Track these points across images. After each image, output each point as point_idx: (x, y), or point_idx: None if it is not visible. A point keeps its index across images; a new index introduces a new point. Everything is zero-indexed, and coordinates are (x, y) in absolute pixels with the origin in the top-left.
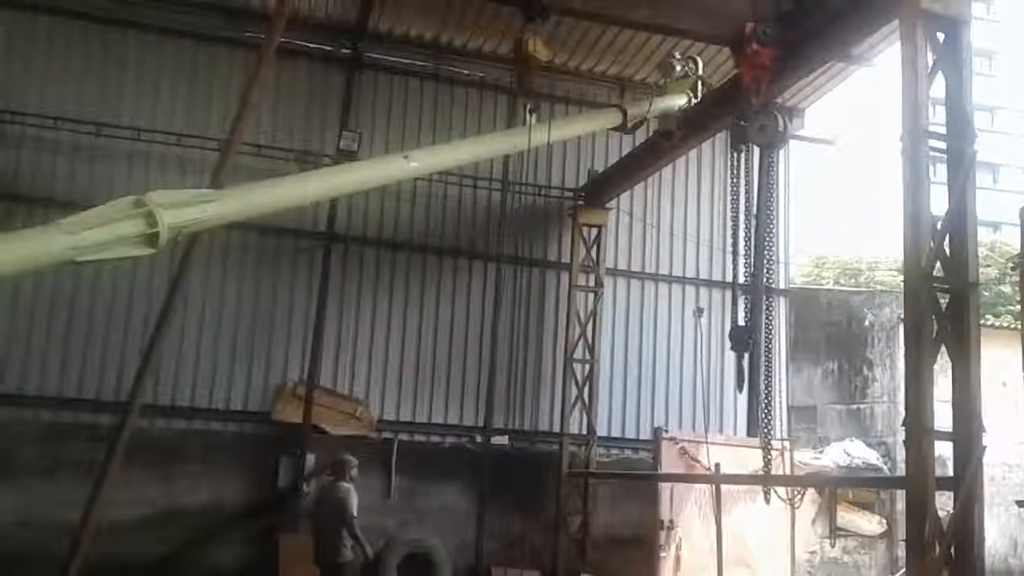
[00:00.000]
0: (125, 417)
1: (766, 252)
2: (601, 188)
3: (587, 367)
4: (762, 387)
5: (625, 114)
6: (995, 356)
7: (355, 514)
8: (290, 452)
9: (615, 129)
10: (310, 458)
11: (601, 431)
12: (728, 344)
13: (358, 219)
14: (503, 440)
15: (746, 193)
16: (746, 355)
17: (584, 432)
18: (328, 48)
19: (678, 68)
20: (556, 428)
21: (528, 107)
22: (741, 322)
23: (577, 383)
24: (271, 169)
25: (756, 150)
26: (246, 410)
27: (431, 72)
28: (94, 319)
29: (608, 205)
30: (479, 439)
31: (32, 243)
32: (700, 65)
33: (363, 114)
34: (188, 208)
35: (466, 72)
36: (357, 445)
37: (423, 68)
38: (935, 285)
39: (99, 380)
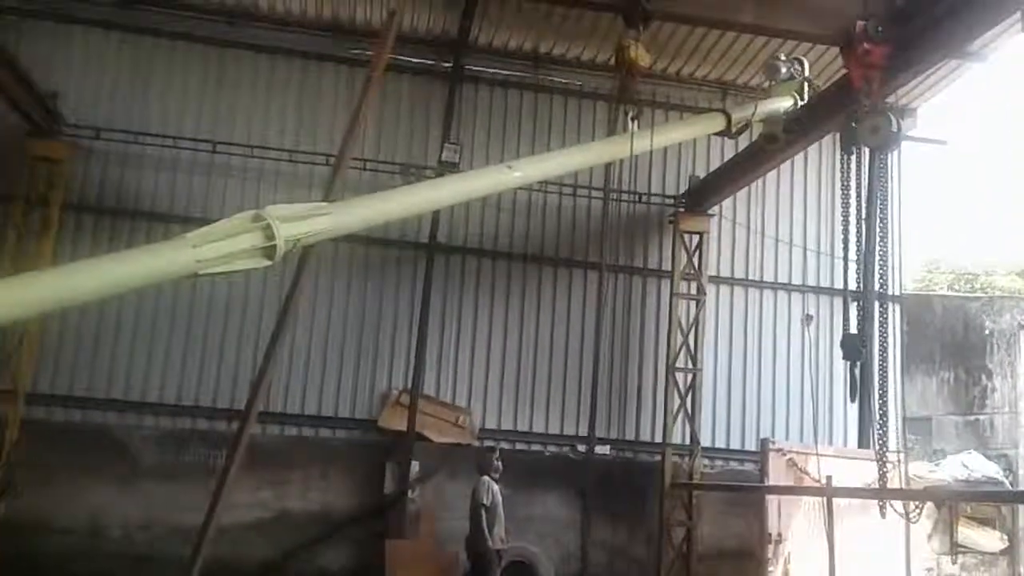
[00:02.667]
0: (243, 424)
1: (879, 257)
2: (703, 194)
3: (690, 376)
4: (875, 397)
5: (729, 118)
6: None
7: (484, 503)
8: (395, 459)
9: (719, 134)
10: (415, 465)
11: (705, 441)
12: (838, 352)
13: (459, 229)
14: (605, 450)
15: (857, 197)
16: (858, 364)
17: (687, 442)
18: (430, 62)
19: (783, 70)
20: (658, 438)
21: (630, 114)
22: (853, 330)
23: (680, 392)
24: (375, 182)
25: (867, 152)
26: (353, 417)
27: (530, 82)
28: (209, 329)
29: (710, 211)
30: (581, 448)
31: (161, 257)
32: (806, 66)
33: (464, 126)
34: (303, 221)
35: (565, 81)
36: (459, 453)
37: (522, 79)
38: None
39: (214, 388)
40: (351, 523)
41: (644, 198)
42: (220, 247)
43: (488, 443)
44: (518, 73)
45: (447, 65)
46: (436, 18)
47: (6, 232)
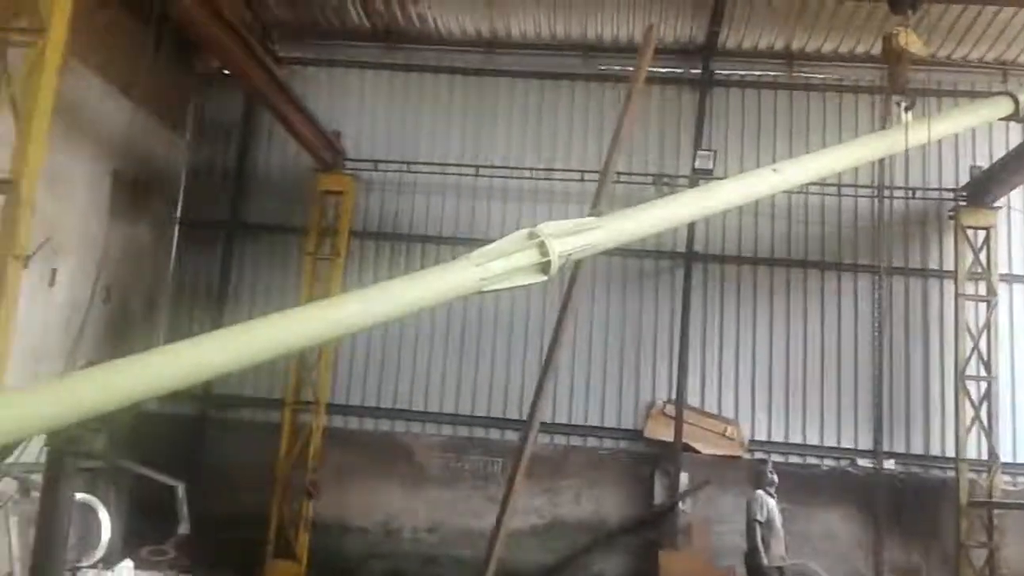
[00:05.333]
0: (527, 433)
1: None
2: (986, 186)
3: (983, 385)
4: None
5: (1017, 101)
6: None
7: (758, 519)
8: (664, 469)
9: (1006, 119)
10: (684, 476)
11: (1005, 456)
12: None
13: (716, 237)
14: (890, 464)
15: None
16: None
17: (984, 457)
18: (678, 71)
19: None
20: (949, 452)
21: (903, 105)
22: None
23: (972, 403)
24: (629, 195)
25: None
26: (619, 427)
27: (784, 82)
28: (482, 344)
29: (996, 204)
30: (861, 462)
31: (450, 276)
32: None
33: (716, 132)
34: (574, 237)
35: (822, 77)
36: (728, 465)
37: (775, 78)
38: None
39: (489, 399)
40: (622, 532)
41: (919, 193)
42: (500, 265)
43: (759, 455)
44: (771, 73)
45: (696, 72)
46: (683, 25)
47: (303, 259)
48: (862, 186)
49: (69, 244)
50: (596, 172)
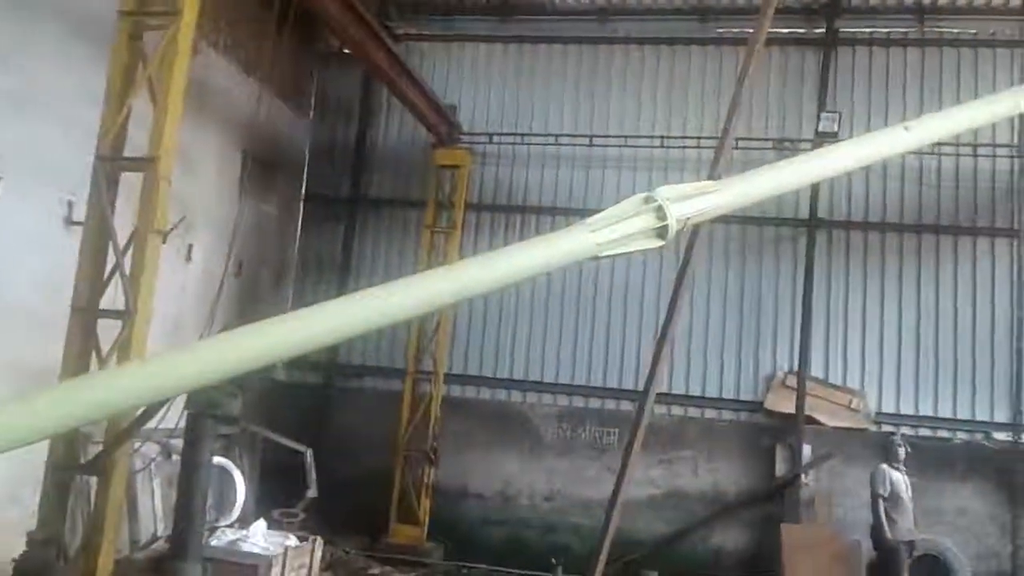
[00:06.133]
0: (643, 403)
1: None
2: None
3: None
4: None
5: None
6: None
7: (881, 493)
8: (785, 442)
9: None
10: (806, 449)
11: None
12: None
13: (841, 202)
14: None
15: None
16: None
17: None
18: (800, 31)
19: None
20: None
21: None
22: None
23: None
24: (747, 160)
25: None
26: (738, 399)
27: (915, 38)
28: (596, 314)
29: None
30: (997, 436)
31: (566, 242)
32: None
33: (841, 93)
34: (691, 200)
35: (956, 31)
36: (853, 438)
37: (906, 34)
38: None
39: (604, 369)
40: (742, 505)
41: None
42: (617, 230)
43: (887, 428)
44: (899, 29)
45: (819, 31)
46: None
47: (421, 232)
48: (1000, 145)
49: (203, 221)
50: (713, 138)
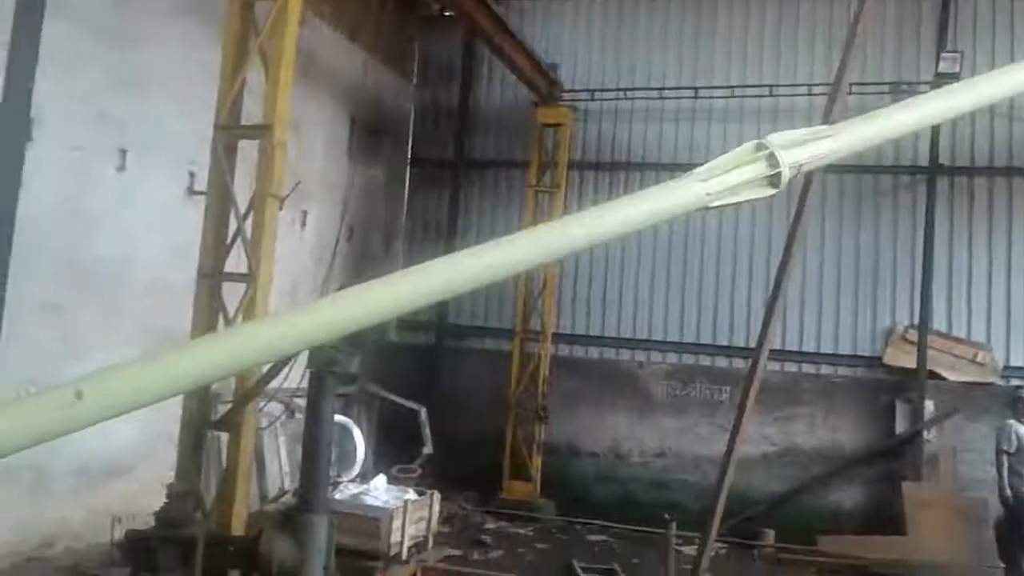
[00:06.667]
0: (756, 360)
1: None
2: None
3: None
4: None
5: None
6: None
7: (1005, 448)
8: (905, 397)
9: None
10: (928, 404)
11: None
12: None
13: (964, 146)
14: None
15: None
16: None
17: None
18: None
19: None
20: None
21: None
22: None
23: None
24: (862, 106)
25: None
26: (855, 354)
27: None
28: (705, 270)
29: None
30: None
31: (674, 193)
32: None
33: (962, 31)
34: (805, 146)
35: None
36: (978, 393)
37: None
38: None
39: (714, 325)
40: (860, 462)
41: None
42: (727, 179)
43: (1015, 382)
44: None
45: None
46: None
47: (525, 192)
48: None
49: (315, 188)
50: (825, 85)
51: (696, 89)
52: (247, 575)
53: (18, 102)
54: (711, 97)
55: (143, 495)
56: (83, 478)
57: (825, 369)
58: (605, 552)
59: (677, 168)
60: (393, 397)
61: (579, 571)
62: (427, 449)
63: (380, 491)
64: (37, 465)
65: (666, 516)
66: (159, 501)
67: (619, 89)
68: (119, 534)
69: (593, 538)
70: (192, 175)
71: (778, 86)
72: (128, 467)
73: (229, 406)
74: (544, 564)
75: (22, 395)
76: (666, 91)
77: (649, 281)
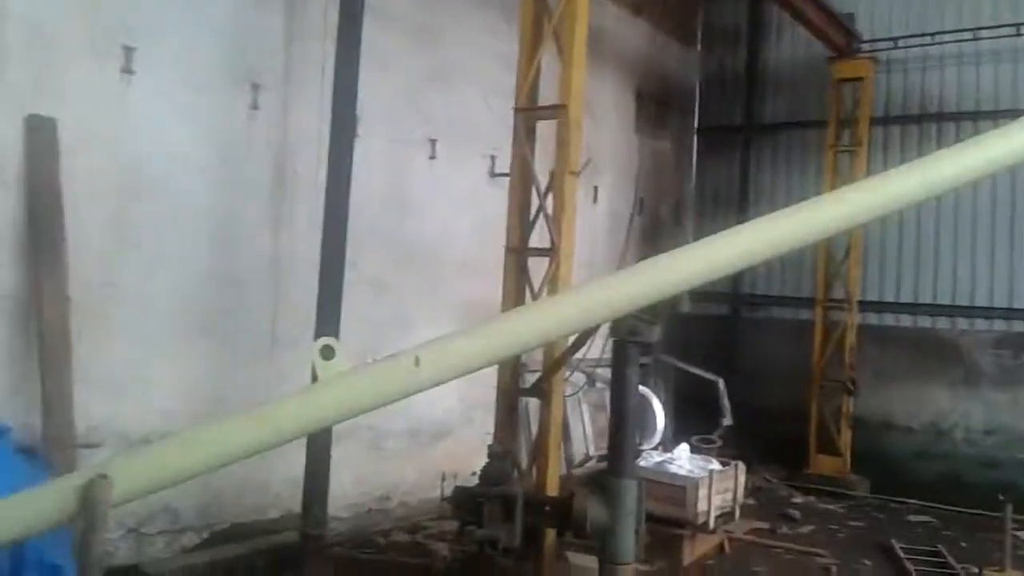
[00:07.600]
0: None
1: None
2: None
3: None
4: None
5: None
6: None
7: None
8: None
9: None
10: None
11: None
12: None
13: None
14: None
15: None
16: None
17: None
18: None
19: None
20: None
21: None
22: None
23: None
24: None
25: None
26: None
27: None
28: None
29: None
30: None
31: (1006, 140)
32: None
33: None
34: None
35: None
36: None
37: None
38: None
39: None
40: None
41: None
42: None
43: None
44: None
45: None
46: None
47: (821, 153)
48: None
49: (605, 163)
50: None
51: (1018, 26)
52: (561, 533)
53: (346, 103)
54: None
55: (464, 456)
56: (413, 440)
57: None
58: (928, 533)
59: (1000, 116)
60: (691, 367)
61: (900, 552)
62: (726, 420)
63: (683, 460)
64: (374, 427)
65: (1000, 497)
66: (478, 461)
67: (926, 34)
68: (447, 490)
69: (913, 518)
70: (493, 159)
71: None
72: (451, 430)
73: (534, 375)
74: (859, 543)
75: (368, 363)
76: (981, 31)
77: (970, 241)
